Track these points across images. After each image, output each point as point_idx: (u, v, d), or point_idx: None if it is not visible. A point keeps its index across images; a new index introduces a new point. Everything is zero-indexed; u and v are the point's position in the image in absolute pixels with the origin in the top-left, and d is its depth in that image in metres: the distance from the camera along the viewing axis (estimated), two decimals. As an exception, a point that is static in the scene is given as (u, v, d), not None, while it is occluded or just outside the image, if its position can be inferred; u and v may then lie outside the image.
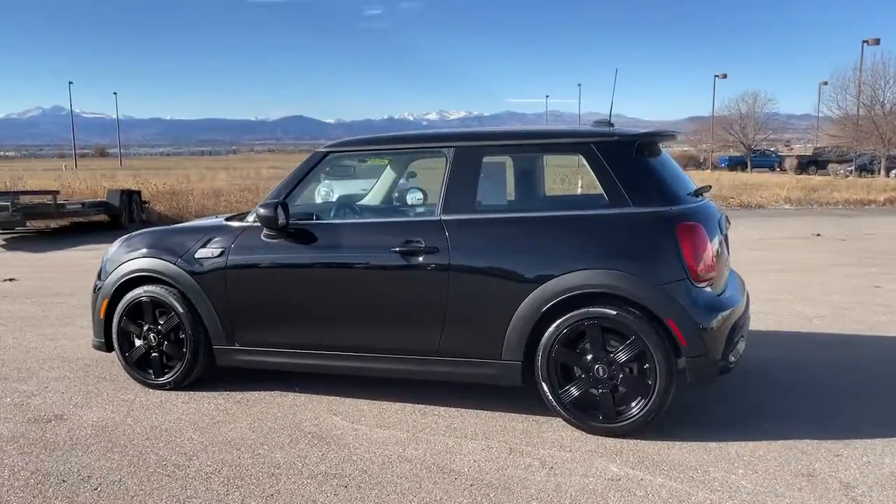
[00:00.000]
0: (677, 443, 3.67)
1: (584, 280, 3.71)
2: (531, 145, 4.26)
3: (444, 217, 4.00)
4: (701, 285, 3.71)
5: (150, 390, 4.62)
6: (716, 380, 3.76)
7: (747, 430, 3.81)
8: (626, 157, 3.87)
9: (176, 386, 4.59)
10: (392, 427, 3.95)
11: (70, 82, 68.73)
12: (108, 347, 4.78)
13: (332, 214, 4.48)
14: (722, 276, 4.00)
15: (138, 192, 16.60)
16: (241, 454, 3.60)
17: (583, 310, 3.72)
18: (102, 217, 15.46)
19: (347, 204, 4.74)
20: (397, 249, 3.99)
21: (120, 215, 15.11)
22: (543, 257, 3.80)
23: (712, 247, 3.83)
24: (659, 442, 3.68)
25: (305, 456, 3.58)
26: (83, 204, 14.96)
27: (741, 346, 3.99)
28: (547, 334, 3.78)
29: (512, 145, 4.27)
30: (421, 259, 3.97)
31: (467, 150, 4.10)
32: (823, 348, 5.44)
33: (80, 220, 15.88)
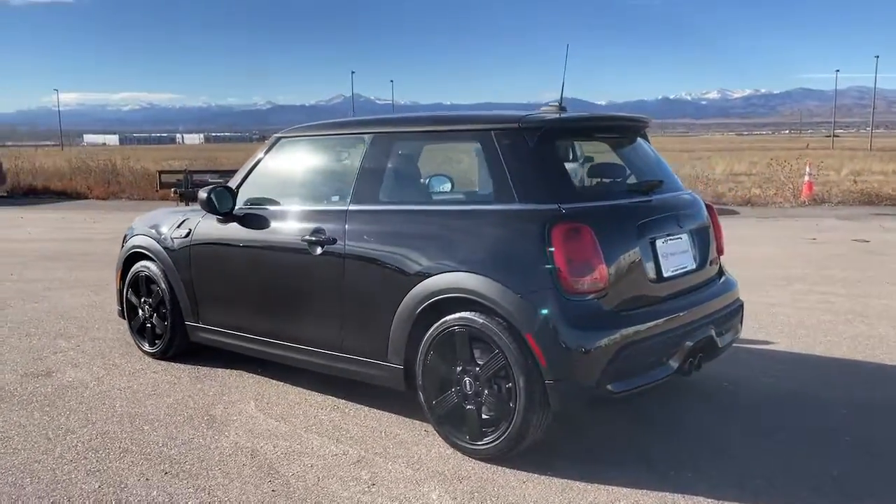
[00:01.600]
0: (539, 477, 3.16)
1: (452, 282, 3.33)
2: (436, 133, 3.89)
3: (350, 207, 3.82)
4: (581, 298, 3.14)
5: (144, 357, 5.00)
6: (586, 410, 3.18)
7: (644, 476, 3.17)
8: (524, 146, 3.38)
9: (162, 355, 4.92)
10: (289, 419, 3.87)
11: (353, 72, 75.63)
12: (123, 315, 5.24)
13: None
14: (635, 288, 3.34)
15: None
16: (128, 429, 3.76)
17: (455, 315, 3.34)
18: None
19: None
20: (306, 238, 3.89)
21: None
22: (423, 255, 3.47)
23: (610, 253, 3.22)
24: (518, 473, 3.20)
25: (174, 438, 3.65)
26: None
27: (660, 371, 3.31)
28: (424, 338, 3.45)
29: (419, 132, 3.93)
30: (321, 250, 3.83)
31: (379, 138, 3.87)
32: (886, 386, 4.32)
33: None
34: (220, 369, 4.72)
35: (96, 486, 3.13)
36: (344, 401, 4.12)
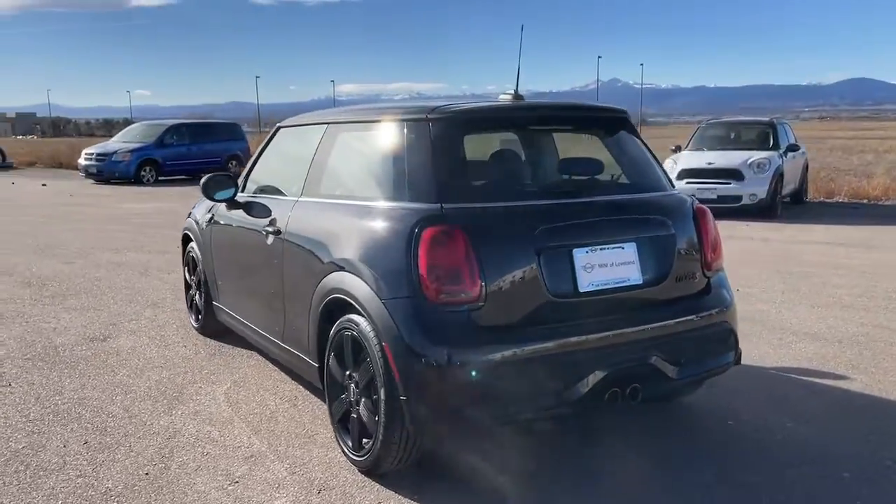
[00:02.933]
0: (400, 500, 2.90)
1: (339, 282, 3.15)
2: (364, 124, 3.64)
3: (299, 199, 3.77)
4: (448, 309, 2.80)
5: (191, 331, 5.35)
6: (443, 435, 2.82)
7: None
8: (426, 139, 3.08)
9: (203, 331, 5.23)
10: (239, 406, 3.92)
11: (599, 56, 74.43)
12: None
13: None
14: (530, 303, 2.90)
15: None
16: (102, 397, 4.05)
17: (344, 317, 3.16)
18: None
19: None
20: (265, 228, 3.91)
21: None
22: (328, 251, 3.31)
23: (493, 262, 2.83)
24: (383, 491, 2.97)
25: (128, 410, 3.86)
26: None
27: (552, 399, 2.86)
28: (329, 338, 3.31)
29: (351, 124, 3.73)
30: (270, 240, 3.82)
31: (328, 129, 3.78)
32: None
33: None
34: (240, 349, 4.90)
35: (20, 448, 3.42)
36: (307, 393, 4.09)
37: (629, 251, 3.12)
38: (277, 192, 4.20)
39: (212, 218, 4.81)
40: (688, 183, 12.13)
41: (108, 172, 20.27)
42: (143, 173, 20.21)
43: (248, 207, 4.28)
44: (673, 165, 12.56)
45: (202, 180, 4.45)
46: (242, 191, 4.51)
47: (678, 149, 13.66)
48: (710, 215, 3.45)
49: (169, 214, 12.76)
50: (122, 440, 3.50)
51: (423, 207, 2.92)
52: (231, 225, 4.46)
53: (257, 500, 2.93)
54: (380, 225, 3.06)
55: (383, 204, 3.13)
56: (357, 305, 2.99)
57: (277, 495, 2.96)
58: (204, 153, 21.74)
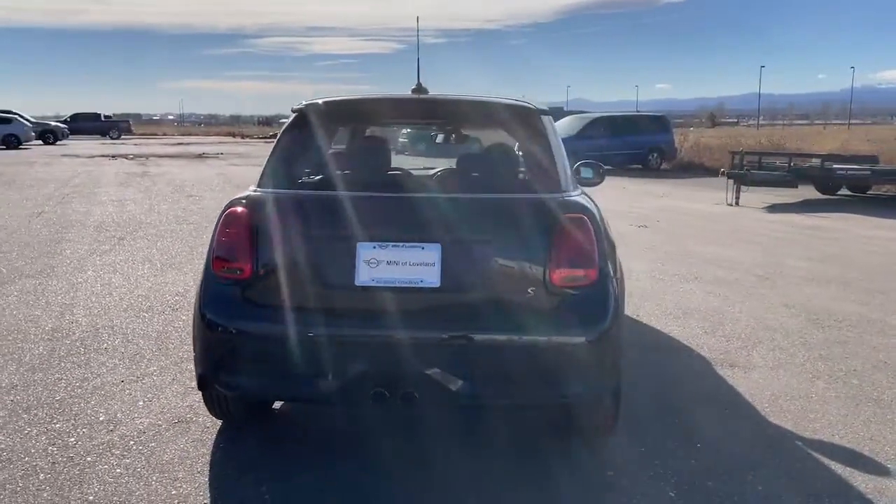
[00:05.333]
0: (209, 443, 3.30)
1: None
2: None
3: None
4: (223, 282, 3.10)
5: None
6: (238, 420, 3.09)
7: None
8: (291, 129, 3.44)
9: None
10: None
11: None
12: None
13: None
14: (301, 289, 2.98)
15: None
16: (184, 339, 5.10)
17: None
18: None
19: None
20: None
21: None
22: None
23: (269, 245, 3.04)
24: (211, 435, 3.41)
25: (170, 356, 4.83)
26: (872, 171, 13.65)
27: (296, 385, 3.00)
28: None
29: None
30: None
31: None
32: None
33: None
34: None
35: (59, 338, 4.67)
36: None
37: (431, 252, 2.94)
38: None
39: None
40: None
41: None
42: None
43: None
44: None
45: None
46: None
47: None
48: (584, 227, 2.96)
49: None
50: (135, 361, 4.50)
51: (247, 191, 3.22)
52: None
53: (137, 418, 3.64)
54: None
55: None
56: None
57: (148, 422, 3.61)
58: (624, 145, 22.30)
